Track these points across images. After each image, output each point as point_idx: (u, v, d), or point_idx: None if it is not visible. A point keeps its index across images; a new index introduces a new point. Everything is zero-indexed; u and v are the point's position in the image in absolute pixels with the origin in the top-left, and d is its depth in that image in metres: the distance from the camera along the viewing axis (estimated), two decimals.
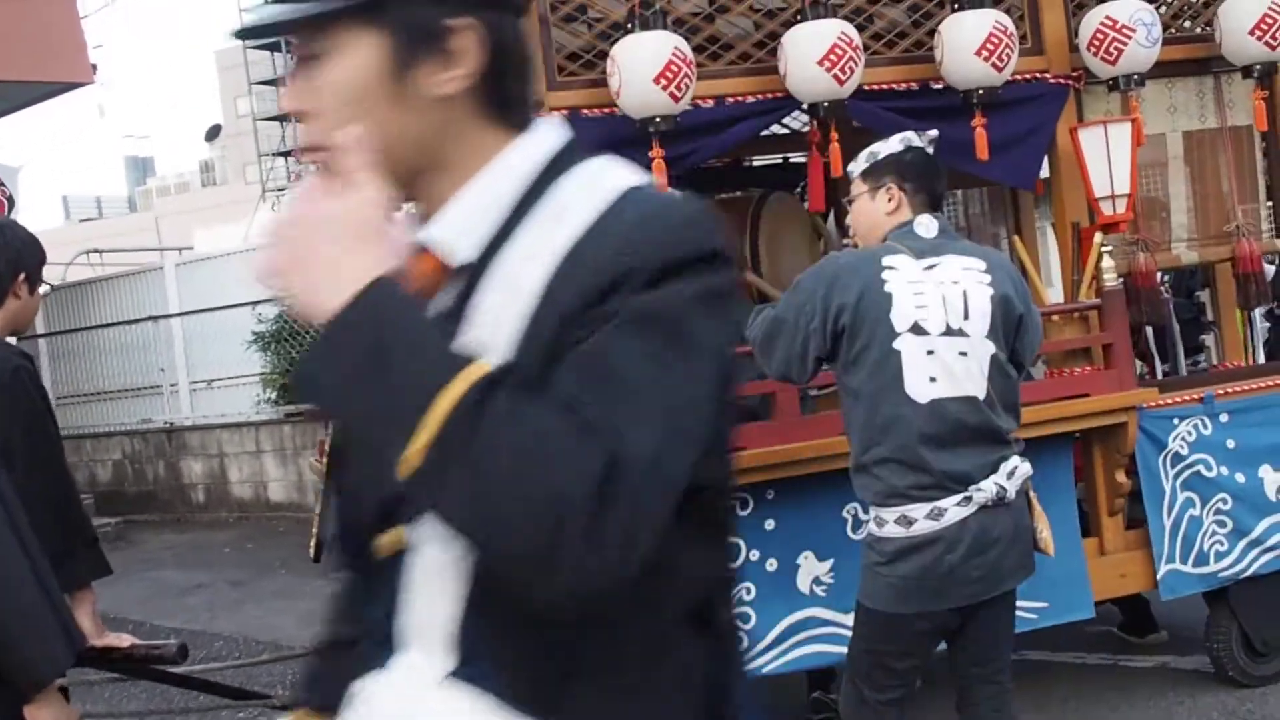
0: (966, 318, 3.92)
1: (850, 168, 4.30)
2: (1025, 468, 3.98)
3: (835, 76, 4.96)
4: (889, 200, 4.13)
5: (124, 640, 4.29)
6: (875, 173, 4.17)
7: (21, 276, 4.16)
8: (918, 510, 3.88)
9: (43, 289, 4.27)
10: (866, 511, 4.10)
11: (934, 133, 4.27)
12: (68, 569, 4.15)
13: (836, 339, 3.97)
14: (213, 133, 77.35)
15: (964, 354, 3.91)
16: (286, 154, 56.56)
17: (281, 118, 64.05)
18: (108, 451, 17.45)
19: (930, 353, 3.89)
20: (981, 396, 3.92)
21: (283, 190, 34.90)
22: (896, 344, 3.89)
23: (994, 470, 3.90)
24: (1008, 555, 3.94)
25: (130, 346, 17.46)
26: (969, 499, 3.86)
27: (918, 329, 3.89)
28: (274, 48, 64.55)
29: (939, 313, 3.90)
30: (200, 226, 40.98)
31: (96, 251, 23.03)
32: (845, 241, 4.52)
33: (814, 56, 4.97)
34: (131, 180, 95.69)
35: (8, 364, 4.05)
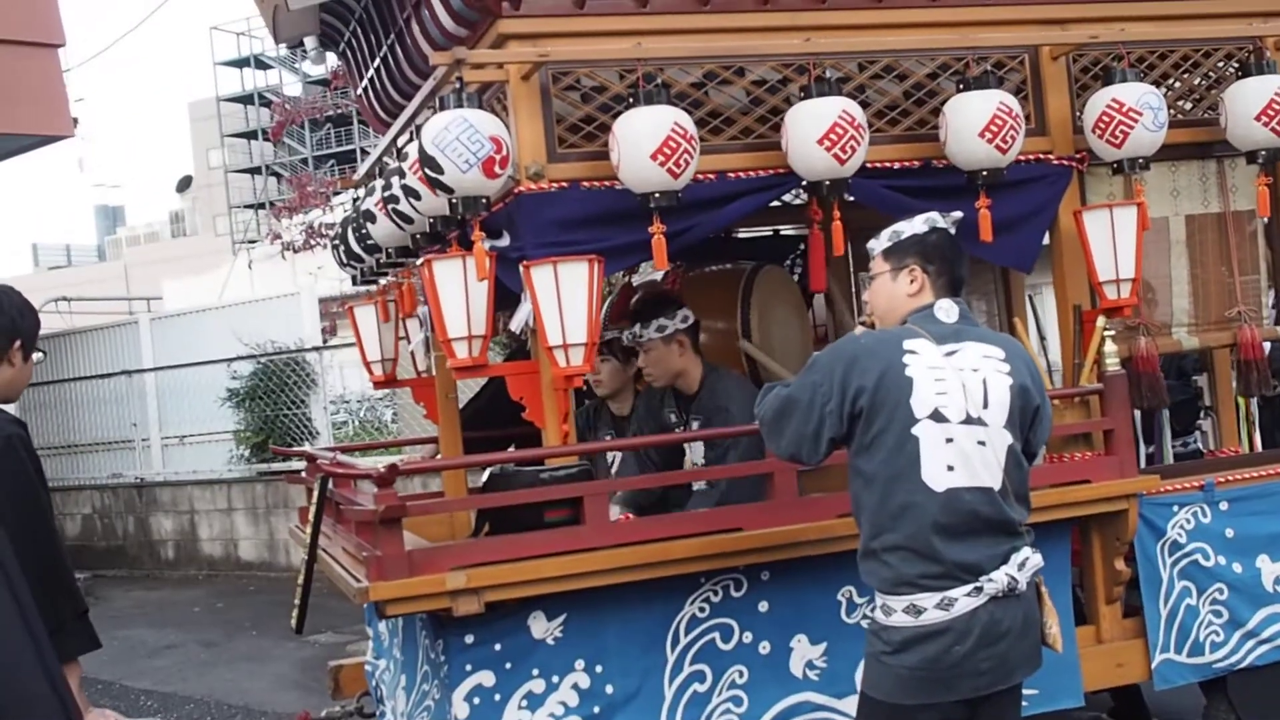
0: (986, 407, 3.85)
1: (871, 245, 4.22)
2: (1036, 559, 3.90)
3: (835, 155, 4.89)
4: (911, 282, 4.06)
5: (108, 717, 4.20)
6: (898, 252, 4.10)
7: (17, 344, 4.11)
8: (927, 600, 3.79)
9: (36, 356, 4.18)
10: (872, 598, 4.01)
11: (958, 214, 4.22)
12: (57, 642, 4.05)
13: (853, 421, 3.89)
14: (184, 184, 77.47)
15: (982, 443, 3.83)
16: (257, 207, 56.61)
17: (253, 170, 64.41)
18: (77, 505, 17.31)
19: (949, 440, 3.81)
20: (997, 487, 3.84)
21: (252, 243, 34.83)
22: (915, 430, 3.82)
23: (1005, 561, 3.83)
24: (1017, 647, 3.86)
25: (103, 400, 17.37)
26: (979, 589, 3.78)
27: (938, 415, 3.82)
28: (246, 100, 64.86)
29: (959, 400, 3.83)
30: (169, 277, 40.90)
31: (65, 299, 22.97)
32: (861, 320, 4.44)
33: (814, 135, 4.90)
34: (101, 229, 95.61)
35: (1, 432, 3.97)
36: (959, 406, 3.83)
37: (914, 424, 3.82)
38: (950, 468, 3.81)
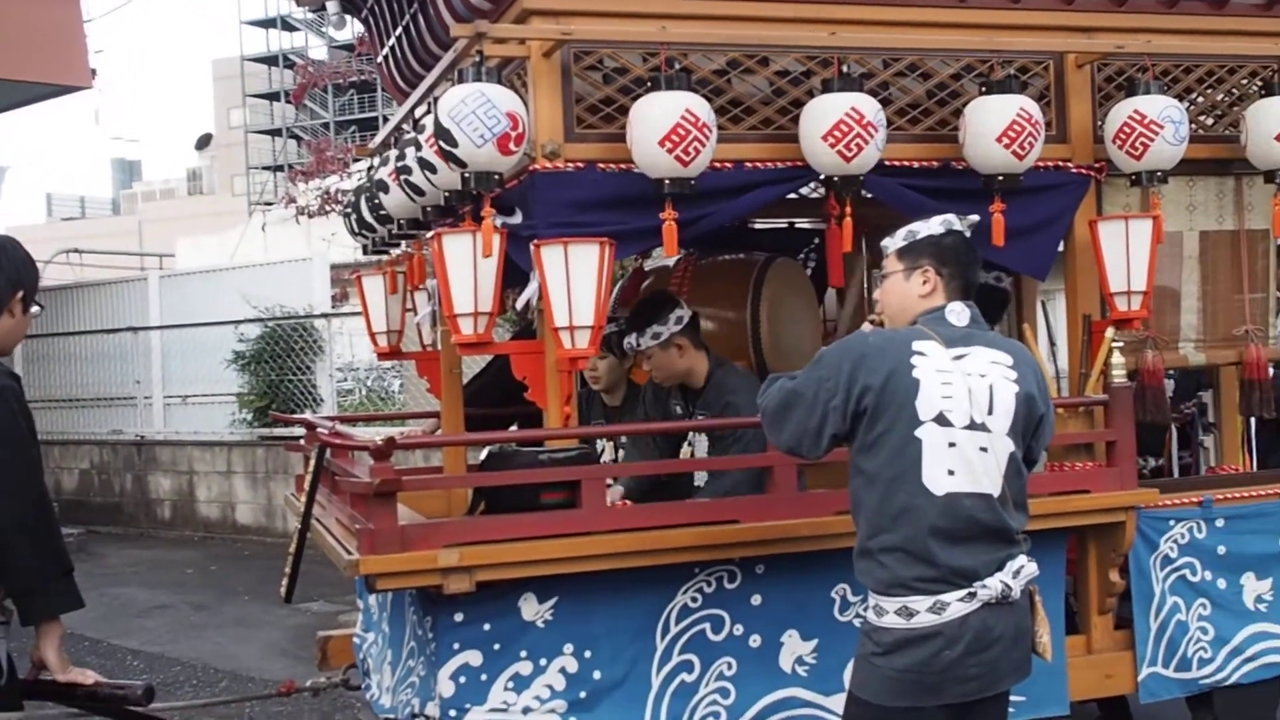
0: (990, 413, 3.83)
1: (885, 243, 4.20)
2: (1031, 568, 3.88)
3: (840, 152, 4.86)
4: (924, 283, 4.04)
5: (88, 677, 4.20)
6: (912, 253, 4.08)
7: (19, 295, 4.12)
8: (920, 603, 3.77)
9: (34, 309, 4.18)
10: (865, 598, 3.99)
11: (974, 218, 4.21)
12: (40, 600, 4.05)
13: (856, 419, 3.87)
14: (203, 142, 77.45)
15: (984, 449, 3.82)
16: (275, 169, 56.59)
17: (273, 132, 64.45)
18: (75, 460, 17.32)
19: (952, 445, 3.80)
20: (997, 494, 3.83)
21: (268, 205, 34.79)
22: (919, 432, 3.80)
23: (1000, 568, 3.81)
24: (1007, 655, 3.85)
25: (107, 355, 17.36)
26: (973, 595, 3.77)
27: (942, 419, 3.80)
28: (271, 61, 64.86)
29: (964, 405, 3.81)
30: (183, 235, 40.95)
31: (76, 251, 22.97)
32: (871, 318, 4.42)
33: (819, 130, 4.89)
34: (117, 183, 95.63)
35: None
36: (964, 411, 3.81)
37: (918, 426, 3.80)
38: (951, 472, 3.79)
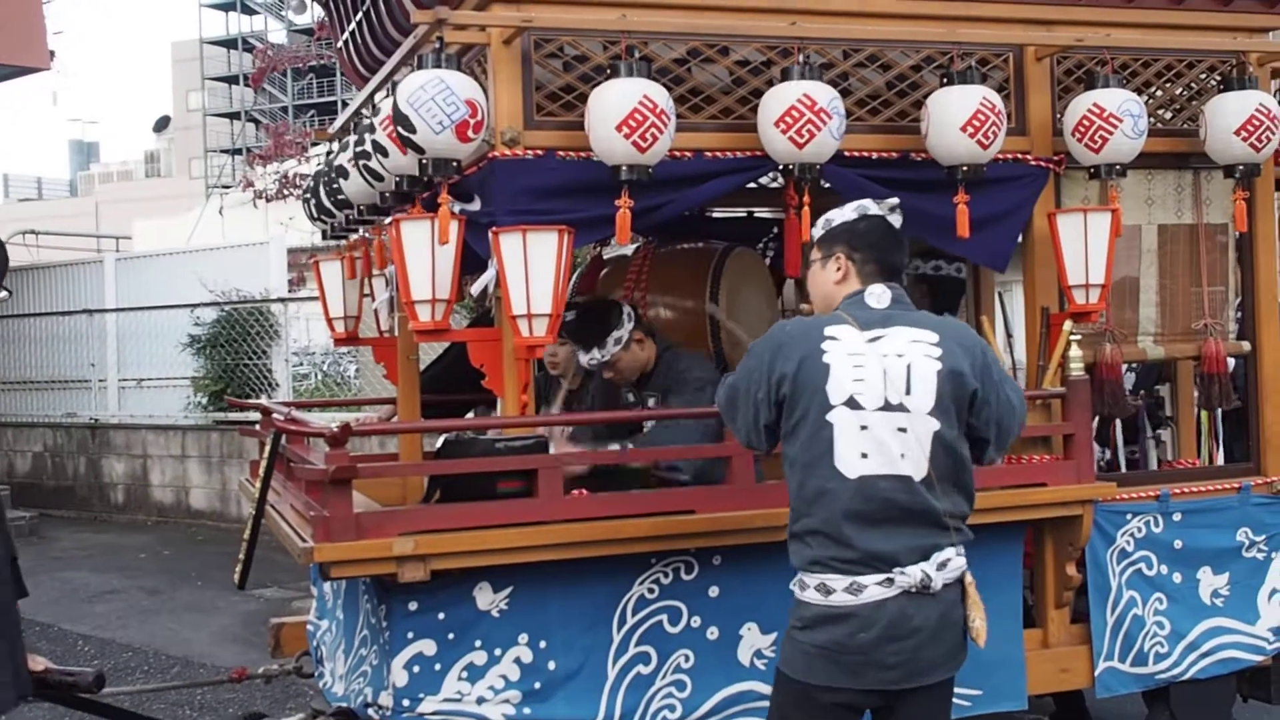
0: (909, 392, 3.82)
1: (812, 232, 4.23)
2: (959, 562, 3.86)
3: (791, 138, 4.85)
4: (837, 270, 4.07)
5: (39, 664, 4.18)
6: (827, 241, 4.12)
7: None
8: (838, 581, 3.80)
9: (2, 294, 4.18)
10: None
11: (894, 200, 4.20)
12: None
13: (779, 407, 3.92)
14: (161, 124, 76.97)
15: (903, 430, 3.81)
16: (233, 152, 56.28)
17: (232, 115, 64.10)
18: (28, 443, 17.20)
19: (864, 427, 3.80)
20: (919, 476, 3.81)
21: (226, 188, 34.60)
22: (830, 416, 3.82)
23: (924, 557, 3.80)
24: (930, 647, 3.82)
25: (62, 338, 17.25)
26: (890, 580, 3.77)
27: (853, 402, 3.81)
28: (230, 45, 64.49)
29: (878, 386, 3.82)
30: (140, 217, 40.73)
31: (33, 233, 22.82)
32: (802, 306, 4.43)
33: (772, 117, 4.88)
34: (75, 164, 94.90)
35: None
36: (877, 393, 3.81)
37: (829, 410, 3.82)
38: (865, 455, 3.80)
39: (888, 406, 3.81)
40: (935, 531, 3.84)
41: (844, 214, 4.11)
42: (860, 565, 3.78)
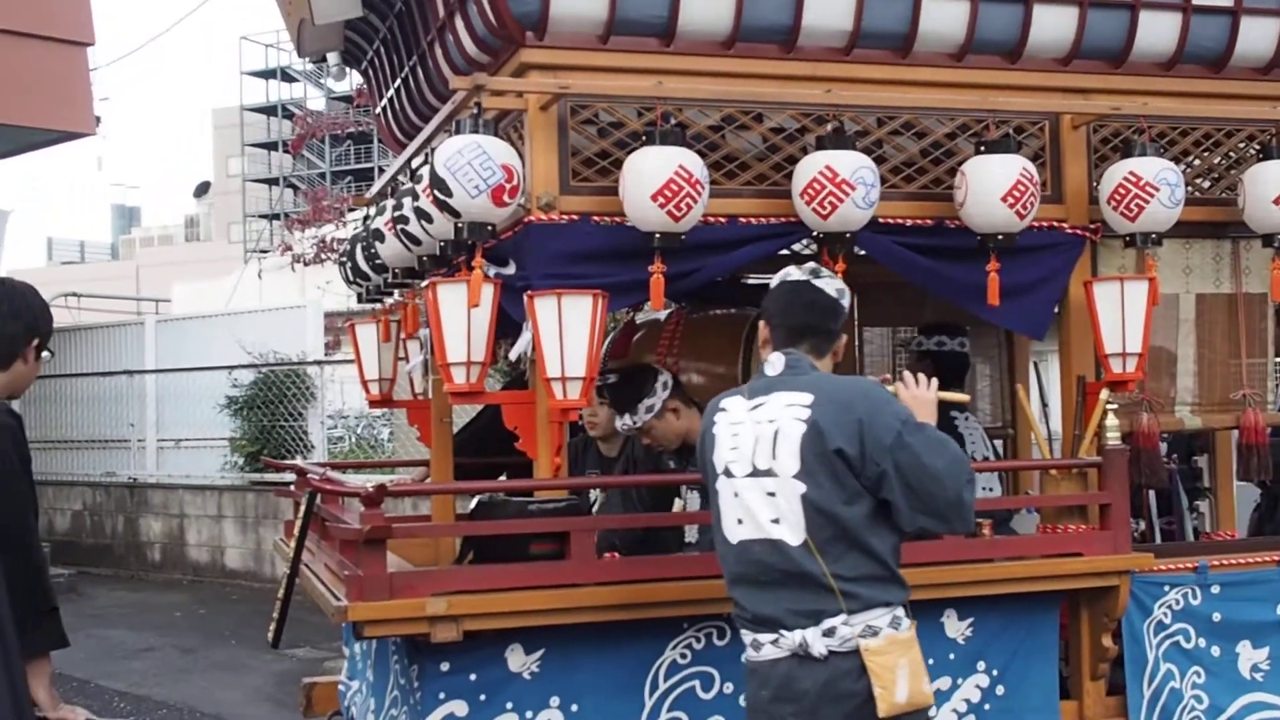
0: (774, 457, 3.86)
1: None
2: (848, 632, 3.77)
3: (814, 210, 4.87)
4: (762, 337, 4.17)
5: (79, 715, 4.21)
6: (762, 310, 4.22)
7: (35, 342, 4.23)
8: (748, 638, 3.97)
9: (45, 355, 4.33)
10: None
11: (811, 264, 4.27)
12: (26, 639, 4.03)
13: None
14: (201, 189, 77.58)
15: (772, 494, 3.86)
16: (271, 217, 56.68)
17: (270, 181, 64.54)
18: (68, 501, 17.30)
19: (736, 495, 3.93)
20: (796, 540, 3.80)
21: (264, 253, 34.83)
22: (717, 485, 4.03)
23: (813, 620, 3.78)
24: (824, 711, 3.77)
25: (102, 398, 17.40)
26: (778, 641, 3.85)
27: (728, 471, 3.96)
28: (270, 111, 65.03)
29: (747, 453, 3.91)
30: (180, 280, 41.02)
31: (75, 295, 22.99)
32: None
33: (797, 188, 4.93)
34: (117, 228, 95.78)
35: None
36: (746, 460, 3.91)
37: (715, 479, 4.02)
38: (740, 520, 3.94)
39: (755, 472, 3.90)
40: (820, 595, 3.80)
41: (773, 281, 4.22)
42: (754, 624, 3.91)
